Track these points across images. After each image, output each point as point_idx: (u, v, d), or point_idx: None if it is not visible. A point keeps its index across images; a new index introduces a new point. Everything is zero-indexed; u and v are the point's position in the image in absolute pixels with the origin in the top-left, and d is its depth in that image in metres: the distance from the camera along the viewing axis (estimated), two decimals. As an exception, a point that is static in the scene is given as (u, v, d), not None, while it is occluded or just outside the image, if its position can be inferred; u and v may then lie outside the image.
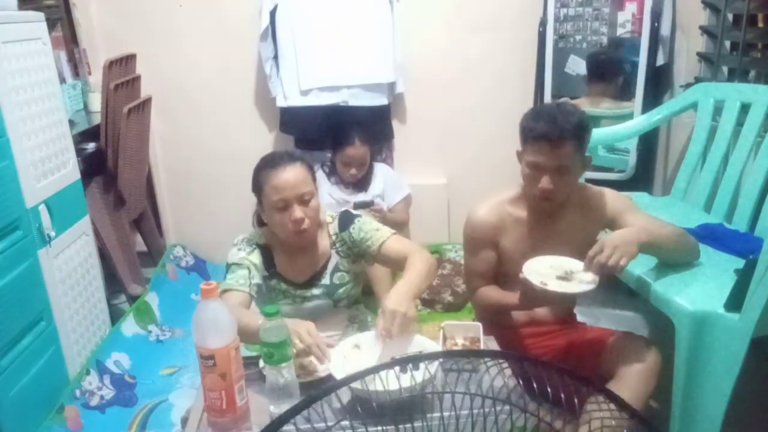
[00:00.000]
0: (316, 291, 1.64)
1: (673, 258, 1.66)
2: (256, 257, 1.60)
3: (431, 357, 0.75)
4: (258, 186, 1.56)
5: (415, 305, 1.42)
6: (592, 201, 1.70)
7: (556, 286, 1.41)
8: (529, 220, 1.68)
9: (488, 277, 1.72)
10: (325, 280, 1.64)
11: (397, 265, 1.61)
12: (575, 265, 1.47)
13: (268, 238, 1.64)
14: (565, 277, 1.44)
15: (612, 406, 0.72)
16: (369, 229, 1.62)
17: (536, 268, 1.47)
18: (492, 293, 1.69)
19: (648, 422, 0.69)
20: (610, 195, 1.71)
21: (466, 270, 1.79)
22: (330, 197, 2.76)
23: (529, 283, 1.42)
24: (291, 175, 1.51)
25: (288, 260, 1.63)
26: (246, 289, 1.51)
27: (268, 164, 1.55)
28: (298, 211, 1.50)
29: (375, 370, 0.73)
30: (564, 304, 1.73)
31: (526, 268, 1.46)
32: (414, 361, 0.75)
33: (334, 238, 1.65)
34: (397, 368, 0.73)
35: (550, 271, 1.46)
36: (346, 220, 1.65)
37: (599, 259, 1.41)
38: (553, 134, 1.51)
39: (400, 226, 2.91)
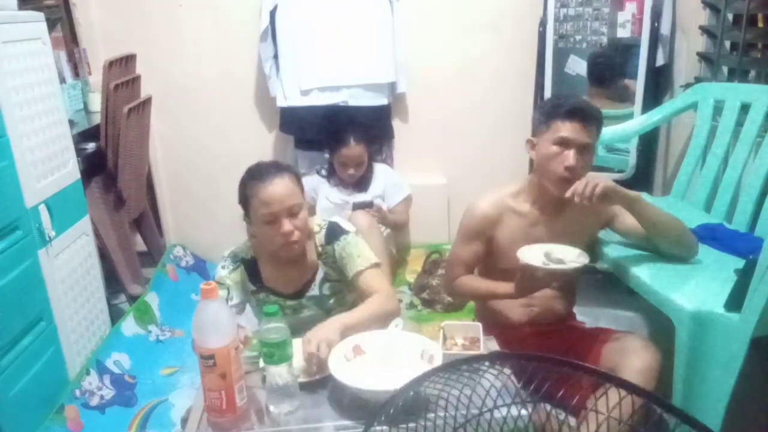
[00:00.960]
0: (307, 303, 1.63)
1: (669, 244, 1.68)
2: (238, 275, 1.60)
3: (478, 359, 0.77)
4: (245, 199, 1.54)
5: (340, 335, 1.39)
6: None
7: (555, 265, 1.52)
8: (529, 215, 1.70)
9: (470, 269, 1.77)
10: (314, 292, 1.63)
11: (361, 299, 1.59)
12: (564, 249, 1.58)
13: (256, 251, 1.63)
14: (558, 260, 1.54)
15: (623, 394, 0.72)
16: (351, 252, 1.59)
17: (530, 254, 1.55)
18: (477, 283, 1.75)
19: (666, 403, 0.69)
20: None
21: (451, 256, 1.83)
22: (327, 201, 2.75)
23: (531, 266, 1.51)
24: (279, 188, 1.49)
25: (276, 272, 1.62)
26: None
27: (254, 176, 1.52)
28: (287, 224, 1.48)
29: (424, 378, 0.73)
30: (557, 282, 1.73)
31: (521, 254, 1.54)
32: (459, 365, 0.75)
33: (320, 249, 1.63)
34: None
35: (542, 257, 1.56)
36: (333, 233, 1.62)
37: (577, 187, 1.54)
38: (585, 110, 1.61)
39: (400, 227, 2.91)
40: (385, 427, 0.79)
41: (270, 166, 1.55)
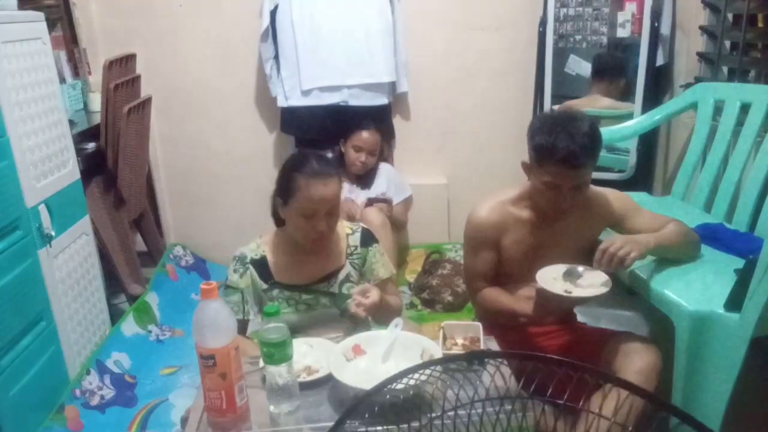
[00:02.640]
0: (323, 299, 1.62)
1: (678, 256, 1.67)
2: (247, 278, 1.60)
3: (475, 356, 0.76)
4: (288, 187, 1.53)
5: (381, 301, 1.53)
6: (594, 202, 1.70)
7: (579, 292, 1.45)
8: (531, 221, 1.68)
9: (489, 278, 1.72)
10: (334, 289, 1.63)
11: None
12: (587, 272, 1.51)
13: (267, 246, 1.63)
14: (578, 282, 1.49)
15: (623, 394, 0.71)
16: (379, 260, 1.68)
17: (548, 277, 1.50)
18: (500, 298, 1.69)
19: (669, 405, 0.68)
20: (613, 196, 1.72)
21: (466, 270, 1.79)
22: None
23: (550, 293, 1.44)
24: (329, 189, 1.52)
25: (290, 264, 1.61)
26: (240, 316, 1.55)
27: (306, 170, 1.51)
28: (323, 224, 1.52)
29: (422, 366, 0.73)
30: (577, 306, 1.74)
31: (540, 278, 1.48)
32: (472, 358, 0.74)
33: (352, 249, 1.65)
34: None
35: (562, 279, 1.50)
36: (368, 238, 1.68)
37: (611, 249, 1.46)
38: (575, 158, 1.48)
39: (398, 227, 2.91)
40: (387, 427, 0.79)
41: (322, 162, 1.55)
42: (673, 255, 1.66)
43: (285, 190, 1.55)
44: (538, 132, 1.54)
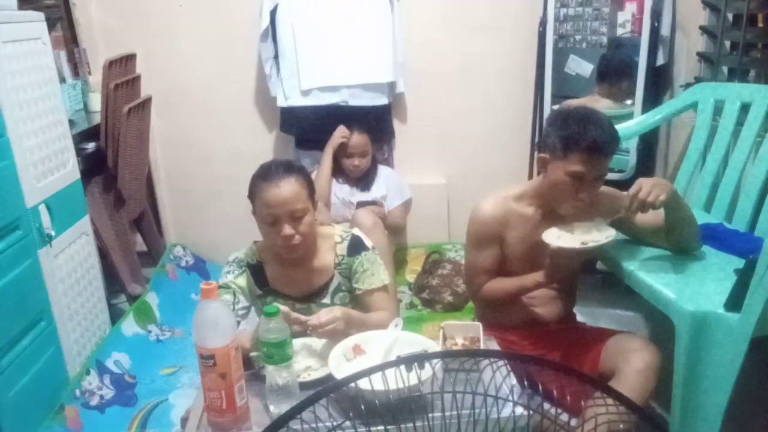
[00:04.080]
0: (317, 309, 1.60)
1: (682, 233, 1.68)
2: (243, 280, 1.59)
3: (433, 356, 0.76)
4: (252, 196, 1.55)
5: (346, 327, 1.44)
6: (597, 200, 1.70)
7: (593, 241, 1.53)
8: (534, 218, 1.69)
9: (492, 274, 1.72)
10: (326, 300, 1.62)
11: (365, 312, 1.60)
12: (582, 227, 1.59)
13: (262, 253, 1.63)
14: (583, 240, 1.55)
15: (613, 402, 0.72)
16: (367, 268, 1.59)
17: (553, 237, 1.57)
18: (504, 283, 1.70)
19: (649, 417, 0.69)
20: (616, 194, 1.72)
21: (468, 267, 1.78)
22: (335, 197, 2.75)
23: (566, 249, 1.52)
24: (283, 190, 1.47)
25: (283, 274, 1.61)
26: None
27: (261, 175, 1.52)
28: (287, 229, 1.48)
29: (377, 369, 0.73)
30: (587, 257, 1.77)
31: (552, 241, 1.55)
32: (417, 360, 0.75)
33: (340, 259, 1.62)
34: (400, 367, 0.74)
35: (568, 236, 1.58)
36: (356, 246, 1.61)
37: (641, 195, 1.49)
38: (605, 145, 1.52)
39: (396, 230, 2.90)
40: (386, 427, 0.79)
41: (280, 166, 1.53)
42: (679, 226, 1.65)
43: (250, 199, 1.56)
44: (566, 123, 1.58)
